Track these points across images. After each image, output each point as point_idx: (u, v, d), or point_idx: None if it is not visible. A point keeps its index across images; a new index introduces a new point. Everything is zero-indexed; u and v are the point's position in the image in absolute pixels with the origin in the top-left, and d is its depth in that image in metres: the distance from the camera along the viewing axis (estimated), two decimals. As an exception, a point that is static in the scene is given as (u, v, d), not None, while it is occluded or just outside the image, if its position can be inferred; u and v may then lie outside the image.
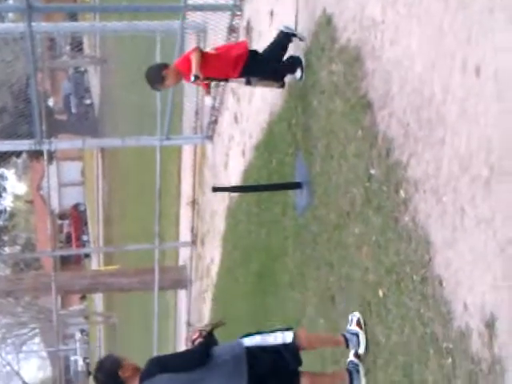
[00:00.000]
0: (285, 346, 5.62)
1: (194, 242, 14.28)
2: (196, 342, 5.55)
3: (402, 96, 5.11)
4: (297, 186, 7.54)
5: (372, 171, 5.58)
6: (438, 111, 4.58)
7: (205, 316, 13.53)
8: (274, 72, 7.60)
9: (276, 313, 8.44)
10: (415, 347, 4.93)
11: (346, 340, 5.83)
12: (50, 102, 31.83)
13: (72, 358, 46.07)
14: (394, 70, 5.24)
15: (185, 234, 15.29)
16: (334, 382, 6.07)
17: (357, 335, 5.79)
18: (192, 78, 7.05)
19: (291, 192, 7.82)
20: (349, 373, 5.84)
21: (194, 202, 14.04)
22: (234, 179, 10.53)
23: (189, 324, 15.10)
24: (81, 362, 45.71)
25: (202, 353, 5.50)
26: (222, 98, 11.22)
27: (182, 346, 15.71)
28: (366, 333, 5.73)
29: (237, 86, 10.31)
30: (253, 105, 9.53)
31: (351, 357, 5.95)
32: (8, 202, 50.60)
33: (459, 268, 4.38)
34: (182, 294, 16.06)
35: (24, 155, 29.43)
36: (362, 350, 5.77)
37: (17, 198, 57.93)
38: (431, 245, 4.70)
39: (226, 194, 11.10)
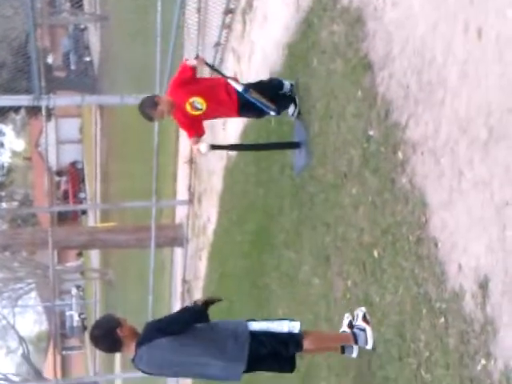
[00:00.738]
0: (290, 334, 5.60)
1: (190, 201, 14.30)
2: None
3: (402, 57, 5.12)
4: (295, 145, 7.54)
5: (370, 132, 5.60)
6: (439, 73, 4.59)
7: (201, 273, 13.61)
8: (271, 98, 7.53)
9: (272, 271, 8.50)
10: (409, 307, 4.99)
11: (355, 337, 5.75)
12: (49, 59, 31.60)
13: (68, 313, 46.28)
14: (395, 32, 5.23)
15: (182, 193, 15.31)
16: (336, 342, 6.06)
17: (364, 331, 5.71)
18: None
19: (289, 152, 7.83)
20: (353, 334, 5.83)
21: (191, 161, 14.04)
22: (233, 139, 10.53)
23: (184, 281, 15.19)
24: (76, 318, 45.93)
25: (199, 311, 5.53)
26: (222, 57, 11.18)
27: (178, 303, 15.83)
28: (373, 329, 5.66)
29: (238, 44, 10.28)
30: (253, 64, 9.50)
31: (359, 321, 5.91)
32: (6, 158, 50.54)
33: (455, 230, 4.42)
34: (178, 251, 16.13)
35: (22, 112, 29.30)
36: (369, 346, 5.67)
37: (15, 154, 57.85)
38: (428, 206, 4.73)
39: (224, 153, 11.11)
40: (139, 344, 5.43)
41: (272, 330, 5.60)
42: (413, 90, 4.94)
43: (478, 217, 4.15)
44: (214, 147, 7.94)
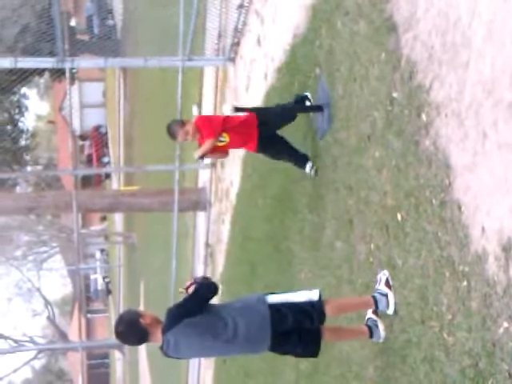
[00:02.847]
0: (311, 303, 5.56)
1: (213, 165, 14.31)
2: (190, 289, 5.55)
3: (427, 19, 5.05)
4: (318, 108, 7.51)
5: (394, 94, 5.55)
6: (464, 34, 4.53)
7: (224, 237, 13.65)
8: (290, 156, 7.93)
9: (294, 235, 8.50)
10: (431, 270, 4.98)
11: (376, 301, 5.73)
12: (73, 23, 31.60)
13: (92, 277, 46.76)
14: (420, -8, 5.16)
15: (205, 156, 15.29)
16: (354, 334, 6.13)
17: (386, 296, 5.69)
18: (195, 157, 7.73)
19: (313, 115, 7.80)
20: (368, 328, 5.86)
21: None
22: (256, 102, 10.49)
23: (207, 245, 15.24)
24: (101, 281, 46.36)
25: (210, 284, 5.57)
26: (245, 20, 11.11)
27: (201, 266, 15.91)
28: (395, 293, 5.65)
29: (261, 6, 10.20)
30: (276, 26, 9.43)
31: (369, 314, 5.96)
32: (30, 122, 50.72)
33: (478, 192, 4.39)
34: (201, 215, 16.17)
35: (46, 75, 29.35)
36: (391, 311, 5.68)
37: (39, 118, 58.06)
38: (451, 169, 4.70)
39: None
40: (164, 331, 5.43)
41: (291, 301, 5.58)
42: (437, 51, 4.88)
43: (501, 179, 4.11)
44: (237, 109, 7.95)
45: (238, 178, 12.12)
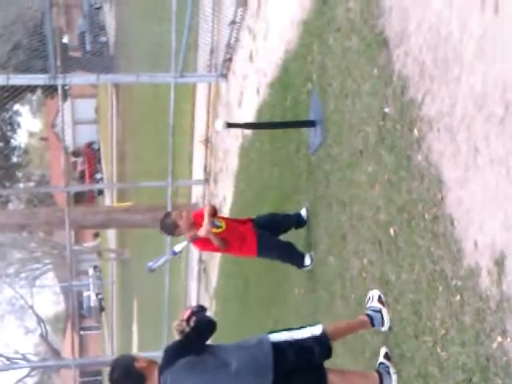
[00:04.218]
0: (315, 338, 5.42)
1: (206, 180, 14.32)
2: (191, 321, 5.36)
3: (418, 34, 5.07)
4: (311, 124, 7.52)
5: (386, 110, 5.57)
6: (455, 49, 4.55)
7: (217, 253, 13.63)
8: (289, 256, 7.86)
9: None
10: (424, 285, 4.98)
11: (371, 319, 5.67)
12: (65, 39, 31.68)
13: (85, 294, 46.58)
14: (411, 8, 5.18)
15: (198, 172, 15.33)
16: (363, 381, 5.75)
17: (380, 312, 5.66)
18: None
19: (305, 130, 7.81)
20: (379, 374, 5.58)
21: (207, 140, 14.03)
22: (249, 117, 10.52)
23: (201, 260, 15.23)
24: (94, 298, 46.21)
25: (210, 323, 5.43)
26: (237, 36, 11.15)
27: (194, 282, 15.88)
28: (388, 309, 5.61)
29: (253, 22, 10.24)
30: (268, 42, 9.47)
31: (381, 358, 5.72)
32: (22, 139, 50.71)
33: (471, 207, 4.39)
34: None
35: (39, 92, 29.37)
36: (386, 328, 5.64)
37: (31, 134, 58.06)
38: (443, 184, 4.71)
39: (240, 132, 11.09)
40: (161, 371, 5.21)
41: (294, 338, 5.41)
42: (429, 66, 4.90)
43: (493, 194, 4.12)
44: (229, 125, 7.95)
45: (231, 193, 12.13)
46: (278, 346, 5.30)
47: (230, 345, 5.52)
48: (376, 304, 5.70)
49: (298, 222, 7.86)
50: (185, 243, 7.49)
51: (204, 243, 7.54)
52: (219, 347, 5.44)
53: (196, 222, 7.41)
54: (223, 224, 7.51)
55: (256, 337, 5.48)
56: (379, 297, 5.70)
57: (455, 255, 4.55)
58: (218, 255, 13.46)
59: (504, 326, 4.02)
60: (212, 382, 5.21)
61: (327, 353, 5.43)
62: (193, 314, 5.42)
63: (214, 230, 7.36)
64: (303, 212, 7.83)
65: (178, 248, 7.44)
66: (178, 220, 7.40)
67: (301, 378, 5.37)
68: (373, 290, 5.83)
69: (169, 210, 13.44)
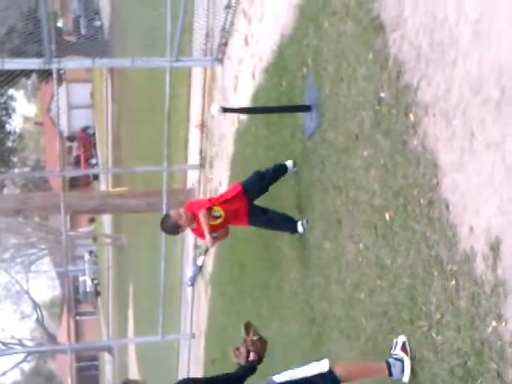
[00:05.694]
0: (322, 375, 5.10)
1: (202, 165, 14.28)
2: (250, 358, 5.36)
3: (414, 18, 5.05)
4: (306, 108, 7.50)
5: (382, 94, 5.55)
6: (451, 33, 4.53)
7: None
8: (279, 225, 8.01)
9: (283, 235, 8.49)
10: (420, 270, 4.98)
11: (389, 366, 5.22)
12: (60, 24, 31.54)
13: (81, 279, 46.60)
14: (407, -9, 5.16)
15: (193, 157, 15.29)
16: (370, 373, 5.52)
17: (401, 361, 5.19)
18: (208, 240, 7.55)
19: (300, 115, 7.79)
20: (388, 364, 5.26)
21: (202, 125, 13.99)
22: (244, 102, 10.48)
23: (196, 246, 15.21)
24: (89, 283, 46.23)
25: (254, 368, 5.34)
26: (232, 20, 11.10)
27: (189, 268, 15.87)
28: (412, 359, 5.19)
29: (248, 6, 10.19)
30: (264, 26, 9.42)
31: (397, 350, 5.32)
32: (17, 124, 50.56)
33: (466, 192, 4.39)
34: (189, 216, 16.13)
35: (33, 76, 29.27)
36: (406, 379, 5.18)
37: (26, 119, 57.90)
38: (439, 168, 4.70)
39: (235, 116, 11.07)
40: None
41: (300, 377, 5.15)
42: (424, 50, 4.88)
43: (489, 178, 4.12)
44: (225, 110, 7.94)
45: (227, 178, 12.11)
46: None
47: None
48: (399, 352, 5.26)
49: (285, 171, 7.99)
50: (202, 257, 7.70)
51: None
52: None
53: (194, 215, 7.56)
54: (221, 212, 7.66)
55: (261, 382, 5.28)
56: (403, 344, 5.27)
57: (451, 240, 4.55)
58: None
59: (499, 311, 4.03)
60: None
61: None
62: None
63: (213, 222, 7.57)
64: (288, 163, 7.91)
65: (199, 262, 7.69)
66: (178, 220, 7.55)
67: None
68: (399, 336, 5.37)
69: (164, 194, 13.44)
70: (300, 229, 7.76)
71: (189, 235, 16.20)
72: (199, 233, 7.77)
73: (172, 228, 7.65)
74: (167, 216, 7.70)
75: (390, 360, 5.24)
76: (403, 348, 5.24)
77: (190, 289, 16.25)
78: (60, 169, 13.63)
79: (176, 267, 17.39)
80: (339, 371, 5.11)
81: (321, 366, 5.14)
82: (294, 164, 7.91)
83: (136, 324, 27.63)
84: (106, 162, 33.47)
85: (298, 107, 7.77)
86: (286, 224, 7.90)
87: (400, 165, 5.26)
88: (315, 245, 7.43)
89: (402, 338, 5.29)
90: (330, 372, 5.08)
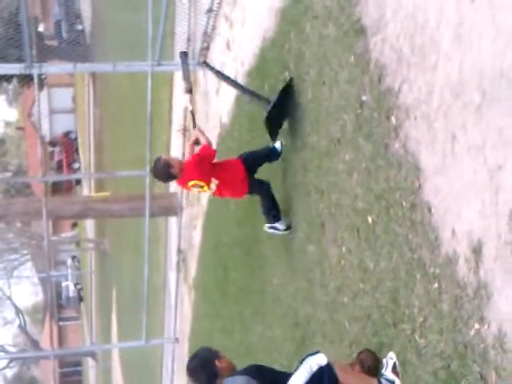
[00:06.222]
0: (320, 369, 4.88)
1: (185, 170, 14.24)
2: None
3: (395, 22, 5.07)
4: (268, 101, 7.55)
5: (363, 98, 5.56)
6: (432, 37, 4.55)
7: (196, 242, 13.62)
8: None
9: (266, 239, 8.49)
10: (403, 273, 4.99)
11: None
12: (41, 28, 31.44)
13: (63, 284, 46.41)
14: (388, -5, 5.17)
15: (176, 162, 15.24)
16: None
17: (392, 383, 5.09)
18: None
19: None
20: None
21: (184, 129, 13.95)
22: (226, 106, 10.48)
23: (179, 250, 15.19)
24: (72, 288, 46.04)
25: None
26: (214, 24, 11.09)
27: (173, 273, 15.83)
28: (402, 379, 5.08)
29: (230, 10, 10.19)
30: (245, 30, 9.42)
31: (387, 371, 5.24)
32: (-1, 128, 50.35)
33: (448, 195, 4.40)
34: (172, 220, 16.12)
35: (15, 81, 29.16)
36: None
37: (8, 124, 57.67)
38: (421, 171, 4.71)
39: (218, 121, 11.06)
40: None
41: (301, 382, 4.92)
42: (406, 54, 4.90)
43: (470, 181, 4.13)
44: (208, 66, 7.95)
45: (209, 182, 12.08)
46: None
47: None
48: (389, 374, 5.15)
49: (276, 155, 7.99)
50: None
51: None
52: None
53: (185, 170, 7.59)
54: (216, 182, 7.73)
55: None
56: (394, 365, 5.16)
57: (433, 243, 4.56)
58: (197, 245, 13.45)
59: (481, 313, 4.04)
60: None
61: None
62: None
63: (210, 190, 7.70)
64: (277, 144, 7.90)
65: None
66: (169, 161, 7.60)
67: None
68: (389, 353, 5.26)
69: (147, 199, 13.39)
70: (280, 226, 7.78)
71: (172, 239, 16.20)
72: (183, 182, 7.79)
73: (163, 167, 7.55)
74: (158, 159, 7.66)
75: (382, 380, 5.11)
76: (394, 370, 5.15)
77: (173, 293, 16.19)
78: (42, 174, 13.56)
79: (159, 271, 17.35)
80: (338, 371, 4.94)
81: (319, 361, 4.92)
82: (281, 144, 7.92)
83: (120, 329, 27.56)
84: (88, 166, 33.38)
85: (262, 97, 7.81)
86: (274, 211, 7.85)
87: (382, 168, 5.27)
88: (298, 248, 7.43)
89: (391, 358, 5.20)
90: (328, 365, 4.91)
